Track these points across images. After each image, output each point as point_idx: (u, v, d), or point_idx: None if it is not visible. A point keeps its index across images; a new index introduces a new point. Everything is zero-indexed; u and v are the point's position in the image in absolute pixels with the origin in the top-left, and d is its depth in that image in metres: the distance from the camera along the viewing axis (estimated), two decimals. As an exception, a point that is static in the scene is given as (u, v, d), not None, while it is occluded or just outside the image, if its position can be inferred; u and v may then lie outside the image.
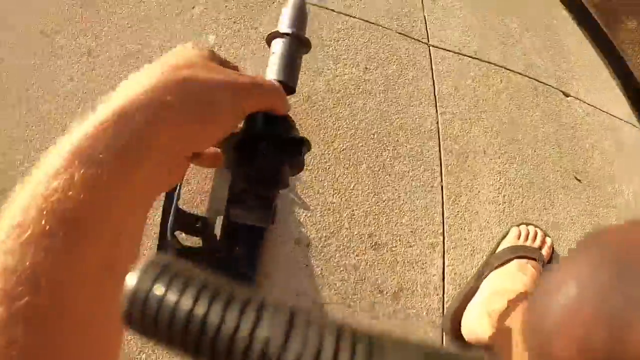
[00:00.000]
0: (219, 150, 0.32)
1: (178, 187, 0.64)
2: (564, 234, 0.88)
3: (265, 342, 0.07)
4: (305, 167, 0.71)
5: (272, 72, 0.32)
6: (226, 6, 0.76)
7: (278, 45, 0.33)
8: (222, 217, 0.63)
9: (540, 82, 1.00)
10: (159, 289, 0.07)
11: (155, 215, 0.66)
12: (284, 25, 0.33)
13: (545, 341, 0.08)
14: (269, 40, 0.34)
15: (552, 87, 1.02)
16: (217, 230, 0.63)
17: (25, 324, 0.16)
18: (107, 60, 0.73)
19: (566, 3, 1.13)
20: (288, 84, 0.31)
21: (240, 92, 0.25)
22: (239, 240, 0.63)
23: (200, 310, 0.07)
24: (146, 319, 0.07)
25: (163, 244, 0.63)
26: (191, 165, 0.70)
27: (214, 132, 0.24)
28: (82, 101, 0.71)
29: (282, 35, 0.33)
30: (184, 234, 0.64)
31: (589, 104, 1.07)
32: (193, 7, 0.76)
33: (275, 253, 0.65)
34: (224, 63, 0.28)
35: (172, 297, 0.07)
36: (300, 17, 0.34)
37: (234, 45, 0.74)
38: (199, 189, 0.66)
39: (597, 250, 0.08)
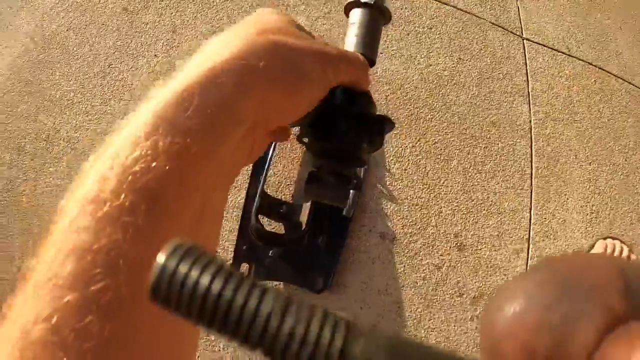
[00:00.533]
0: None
1: (265, 170, 0.62)
2: (649, 252, 0.82)
3: (268, 317, 0.08)
4: (396, 159, 0.67)
5: (351, 44, 0.29)
6: (318, -15, 0.73)
7: (358, 15, 0.30)
8: (308, 204, 0.61)
9: (634, 85, 0.93)
10: (183, 267, 0.09)
11: (238, 197, 0.64)
12: None
13: (496, 343, 0.09)
14: (348, 9, 0.30)
15: (645, 91, 0.95)
16: (303, 218, 0.61)
17: (100, 313, 0.14)
18: (193, 37, 0.72)
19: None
20: (369, 56, 0.29)
21: (329, 62, 0.22)
22: (323, 230, 0.61)
23: (216, 286, 0.08)
24: (171, 293, 0.09)
25: (245, 226, 0.61)
26: (277, 147, 0.67)
27: (301, 104, 0.22)
28: (165, 76, 0.70)
29: (362, 4, 0.30)
30: (266, 219, 0.62)
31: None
32: (284, -15, 0.74)
33: (359, 245, 0.62)
34: (304, 31, 0.25)
35: (193, 275, 0.08)
36: None
37: (324, 27, 0.71)
38: (285, 174, 0.64)
39: (544, 271, 0.09)
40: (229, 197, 0.65)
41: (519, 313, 0.09)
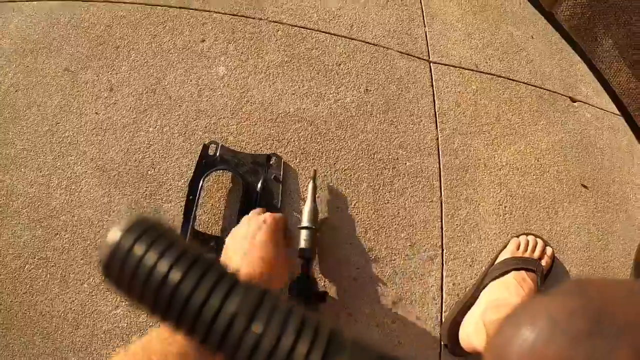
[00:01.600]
0: None
1: (194, 210, 0.71)
2: (570, 242, 0.90)
3: (232, 318, 0.06)
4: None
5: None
6: (234, 38, 0.82)
7: (304, 234, 0.63)
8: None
9: (546, 89, 1.00)
10: (139, 249, 0.07)
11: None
12: (305, 221, 0.65)
13: None
14: (298, 230, 0.64)
15: (559, 93, 1.02)
16: (230, 249, 0.70)
17: None
18: (129, 94, 0.80)
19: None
20: (309, 256, 0.62)
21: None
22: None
23: (175, 276, 0.07)
24: (123, 275, 0.07)
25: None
26: (205, 189, 0.75)
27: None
28: (107, 132, 0.79)
29: (306, 228, 0.63)
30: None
31: (598, 107, 1.06)
32: (203, 41, 0.82)
33: (282, 269, 0.71)
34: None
35: (150, 259, 0.07)
36: (315, 215, 0.65)
37: (242, 75, 0.80)
38: (213, 212, 0.73)
39: (577, 297, 0.08)
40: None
41: (540, 342, 0.07)
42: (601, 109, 1.06)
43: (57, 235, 0.72)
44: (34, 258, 0.70)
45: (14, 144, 0.78)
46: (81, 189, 0.75)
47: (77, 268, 0.70)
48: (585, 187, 1.00)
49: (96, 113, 0.80)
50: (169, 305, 0.07)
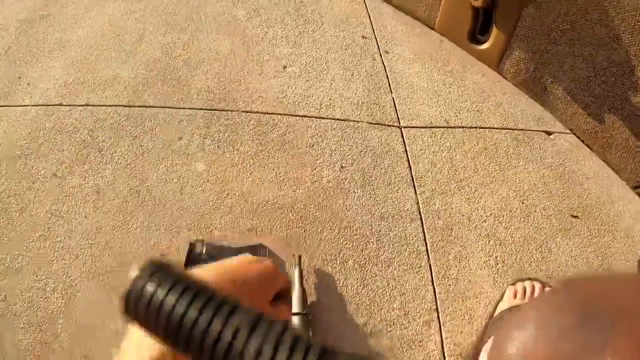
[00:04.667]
0: None
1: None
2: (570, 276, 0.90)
3: (233, 337, 0.07)
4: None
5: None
6: (209, 133, 0.85)
7: (296, 320, 0.66)
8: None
9: (520, 129, 1.03)
10: (151, 286, 0.08)
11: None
12: (295, 307, 0.67)
13: None
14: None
15: (533, 130, 1.04)
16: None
17: None
18: (114, 197, 0.83)
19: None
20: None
21: None
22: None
23: (181, 307, 0.08)
24: (139, 311, 0.09)
25: None
26: None
27: None
28: (97, 235, 0.81)
29: (296, 314, 0.66)
30: None
31: (574, 134, 1.07)
32: (180, 138, 0.85)
33: None
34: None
35: (160, 294, 0.08)
36: (303, 300, 0.68)
37: (220, 169, 0.83)
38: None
39: (562, 295, 0.08)
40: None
41: (530, 341, 0.08)
42: (576, 134, 1.07)
43: (57, 339, 0.73)
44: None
45: (9, 249, 0.80)
46: (77, 293, 0.76)
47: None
48: (575, 217, 1.00)
49: (85, 217, 0.82)
50: (178, 333, 0.08)
